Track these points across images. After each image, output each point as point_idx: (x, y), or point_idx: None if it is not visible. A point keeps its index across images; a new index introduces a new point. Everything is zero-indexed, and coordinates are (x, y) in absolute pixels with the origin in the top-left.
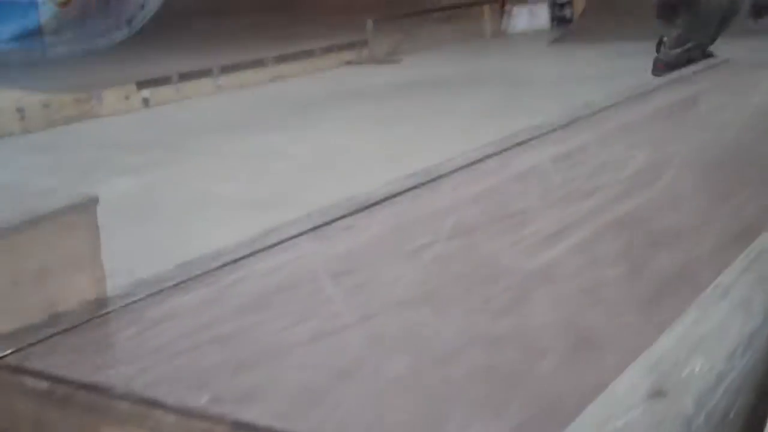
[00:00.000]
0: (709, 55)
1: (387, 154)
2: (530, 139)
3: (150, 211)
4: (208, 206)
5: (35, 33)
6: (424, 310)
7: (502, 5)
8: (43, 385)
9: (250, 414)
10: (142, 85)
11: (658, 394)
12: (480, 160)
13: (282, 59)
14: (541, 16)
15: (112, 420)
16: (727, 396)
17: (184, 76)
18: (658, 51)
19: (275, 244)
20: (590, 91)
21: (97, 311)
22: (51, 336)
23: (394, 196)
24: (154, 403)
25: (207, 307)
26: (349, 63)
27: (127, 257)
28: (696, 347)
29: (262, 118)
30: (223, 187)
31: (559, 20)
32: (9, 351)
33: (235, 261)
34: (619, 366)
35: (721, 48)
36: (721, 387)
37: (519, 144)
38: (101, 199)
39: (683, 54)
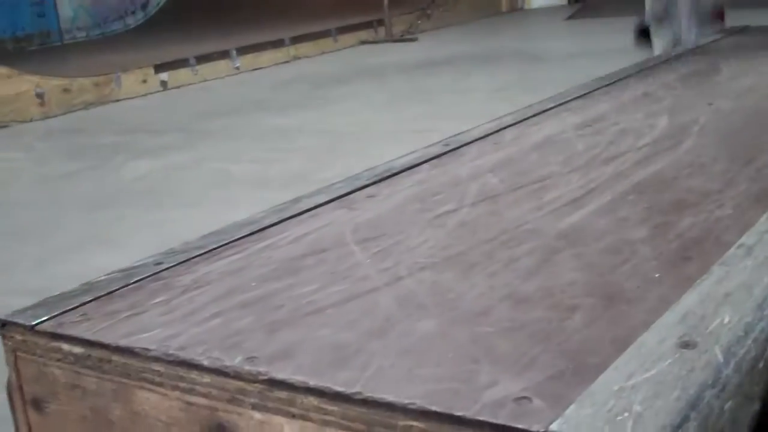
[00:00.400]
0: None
1: (402, 133)
2: (549, 109)
3: (170, 193)
4: (227, 187)
5: (52, 18)
6: (450, 272)
7: None
8: (79, 349)
9: (284, 372)
10: (159, 68)
11: (687, 345)
12: (499, 130)
13: (299, 39)
14: None
15: (147, 382)
16: (756, 345)
17: (202, 59)
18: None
19: (301, 213)
20: (608, 65)
21: (128, 280)
22: (84, 303)
23: (416, 165)
24: (188, 364)
25: (236, 273)
26: (364, 42)
27: (148, 238)
28: (723, 301)
29: (280, 99)
30: (242, 167)
31: None
32: (44, 318)
33: (263, 229)
34: (648, 321)
35: (741, 16)
36: (750, 337)
37: (538, 114)
38: (122, 182)
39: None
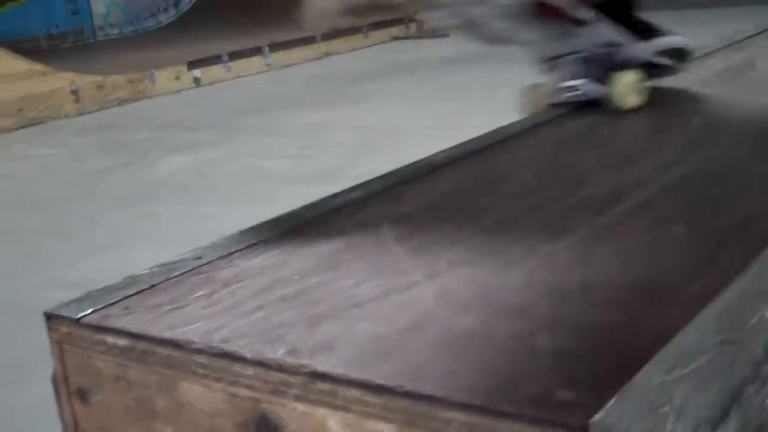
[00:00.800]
0: None
1: (436, 129)
2: (585, 105)
3: (205, 188)
4: (261, 183)
5: (85, 15)
6: (489, 267)
7: None
8: (123, 341)
9: (326, 365)
10: (192, 65)
11: (726, 340)
12: (535, 126)
13: (330, 36)
14: None
15: (191, 373)
16: None
17: (234, 55)
18: None
19: (339, 208)
20: None
21: (170, 274)
22: (127, 297)
23: (452, 161)
24: (232, 357)
25: (276, 268)
26: (396, 38)
27: (185, 234)
28: (762, 297)
29: (312, 96)
30: (275, 163)
31: None
32: (89, 311)
33: (301, 224)
34: (687, 317)
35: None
36: None
37: (574, 110)
38: (157, 177)
39: None
